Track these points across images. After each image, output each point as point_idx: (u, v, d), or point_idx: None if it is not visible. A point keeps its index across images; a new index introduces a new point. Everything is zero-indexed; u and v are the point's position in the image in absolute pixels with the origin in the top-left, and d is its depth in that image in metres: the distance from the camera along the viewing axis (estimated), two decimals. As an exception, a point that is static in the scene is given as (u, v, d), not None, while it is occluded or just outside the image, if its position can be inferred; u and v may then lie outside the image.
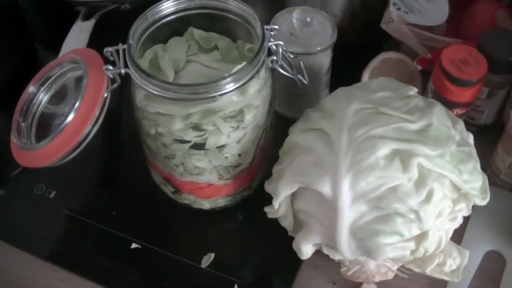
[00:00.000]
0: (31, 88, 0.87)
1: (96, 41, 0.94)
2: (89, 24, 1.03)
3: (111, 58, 0.78)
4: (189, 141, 0.77)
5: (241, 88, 0.74)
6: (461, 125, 0.80)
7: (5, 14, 1.07)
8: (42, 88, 0.88)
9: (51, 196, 0.95)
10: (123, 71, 0.76)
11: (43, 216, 0.94)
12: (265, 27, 0.78)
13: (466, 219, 0.82)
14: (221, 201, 0.89)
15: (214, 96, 0.72)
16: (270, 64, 0.79)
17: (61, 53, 0.97)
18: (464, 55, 0.87)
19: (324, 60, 0.93)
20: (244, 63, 0.74)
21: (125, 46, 0.77)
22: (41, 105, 0.88)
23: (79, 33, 1.01)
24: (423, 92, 0.96)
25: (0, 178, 0.98)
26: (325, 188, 0.72)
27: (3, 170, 0.98)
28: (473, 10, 1.04)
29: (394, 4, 0.99)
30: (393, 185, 0.71)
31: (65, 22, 1.06)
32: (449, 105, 0.87)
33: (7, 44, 1.09)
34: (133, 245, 0.89)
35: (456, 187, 0.75)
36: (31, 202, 0.95)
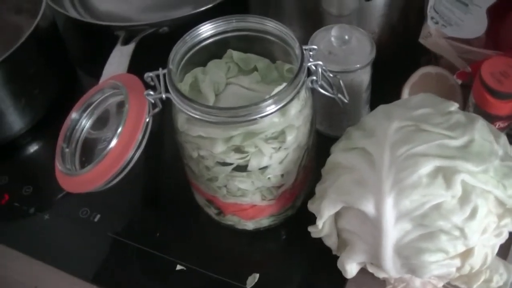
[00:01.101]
0: (74, 115, 0.89)
1: (137, 66, 0.95)
2: (129, 49, 1.05)
3: (152, 83, 0.79)
4: (231, 164, 0.78)
5: (282, 109, 0.74)
6: (503, 139, 0.79)
7: (46, 40, 1.09)
8: (85, 114, 0.89)
9: (96, 219, 0.96)
10: (164, 96, 0.77)
11: (88, 239, 0.95)
12: (304, 47, 0.78)
13: (512, 234, 0.81)
14: (264, 222, 0.90)
15: (255, 119, 0.72)
16: (310, 84, 0.79)
17: (102, 78, 0.98)
18: (504, 67, 0.86)
19: (364, 77, 0.93)
20: (284, 84, 0.74)
21: (165, 71, 0.78)
22: (84, 131, 0.89)
23: (119, 58, 1.02)
24: (464, 106, 0.95)
25: (45, 202, 0.99)
26: (369, 207, 0.72)
27: (47, 195, 1.00)
28: (511, 20, 1.03)
29: (432, 18, 0.98)
30: (436, 203, 0.71)
31: (105, 47, 1.08)
32: (490, 118, 0.86)
33: (49, 71, 1.11)
34: (178, 267, 0.90)
35: (501, 203, 0.74)
36: (76, 225, 0.96)
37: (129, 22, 1.14)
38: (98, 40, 1.18)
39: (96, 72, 1.02)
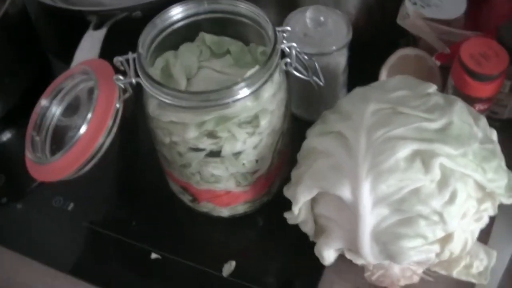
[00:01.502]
0: (43, 102, 0.86)
1: (110, 51, 0.93)
2: (101, 33, 1.02)
3: (122, 68, 0.77)
4: (204, 149, 0.76)
5: (255, 93, 0.72)
6: (483, 121, 0.78)
7: (15, 27, 1.06)
8: (55, 101, 0.87)
9: (70, 208, 0.95)
10: (134, 81, 0.75)
11: (62, 229, 0.94)
12: (277, 29, 0.76)
13: (492, 218, 0.79)
14: (240, 208, 0.88)
15: (228, 103, 0.71)
16: (284, 67, 0.77)
17: (73, 63, 0.96)
18: (483, 48, 0.85)
19: (340, 59, 0.91)
20: (257, 67, 0.72)
21: (135, 55, 0.75)
22: (54, 118, 0.87)
23: (90, 43, 1.00)
24: (443, 88, 0.94)
25: (17, 192, 0.98)
26: (345, 193, 0.71)
27: (20, 184, 0.98)
28: (491, 2, 1.01)
29: (409, -2, 0.97)
30: (415, 187, 0.69)
31: (78, 32, 1.05)
32: (470, 100, 0.85)
33: (19, 57, 1.09)
34: (153, 255, 0.88)
35: (480, 187, 0.73)
36: (50, 215, 0.95)
37: (101, 7, 1.11)
38: (70, 25, 1.15)
39: (69, 58, 1.00)
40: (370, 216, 0.70)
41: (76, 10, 1.12)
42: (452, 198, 0.69)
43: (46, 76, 1.15)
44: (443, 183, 0.69)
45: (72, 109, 0.87)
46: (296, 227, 0.81)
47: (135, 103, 0.81)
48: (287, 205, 0.78)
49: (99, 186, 0.97)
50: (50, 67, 1.20)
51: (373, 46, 1.00)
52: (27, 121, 0.88)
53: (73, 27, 1.09)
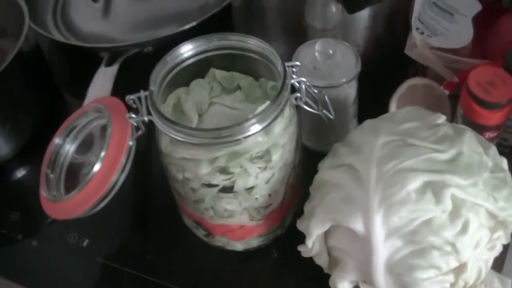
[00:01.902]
0: (57, 140, 0.87)
1: (122, 87, 0.94)
2: (113, 70, 1.04)
3: (134, 106, 0.78)
4: (217, 185, 0.76)
5: (266, 128, 0.73)
6: (493, 150, 0.78)
7: (30, 64, 1.08)
8: (68, 139, 0.88)
9: (85, 244, 0.95)
10: (146, 119, 0.76)
11: (77, 265, 0.94)
12: (287, 64, 0.77)
13: (506, 246, 0.79)
14: (254, 242, 0.88)
15: (239, 139, 0.71)
16: (294, 101, 0.78)
17: (86, 100, 0.98)
18: (490, 76, 0.85)
19: (350, 91, 0.92)
20: (268, 103, 0.73)
21: (147, 92, 0.76)
22: (68, 156, 0.88)
23: (102, 80, 1.01)
24: (452, 116, 0.94)
25: (32, 228, 0.98)
26: (357, 225, 0.71)
27: (35, 221, 0.99)
28: (497, 28, 1.02)
29: (417, 28, 0.97)
30: (426, 218, 0.69)
31: (90, 68, 1.07)
32: (479, 128, 0.85)
33: (33, 94, 1.10)
34: (169, 290, 0.88)
35: (492, 215, 0.73)
36: (65, 251, 0.95)
37: (113, 43, 1.13)
38: (83, 61, 1.17)
39: (81, 93, 1.01)
40: (383, 248, 0.71)
41: (88, 47, 1.14)
42: (464, 228, 0.70)
43: (59, 111, 1.16)
44: (454, 214, 0.70)
45: (86, 146, 0.88)
46: (310, 259, 0.81)
47: (148, 138, 0.82)
48: (301, 237, 0.79)
49: (114, 220, 0.98)
50: (63, 102, 1.22)
51: (382, 76, 1.01)
52: (41, 157, 0.89)
53: (85, 63, 1.11)
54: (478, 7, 1.01)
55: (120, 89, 0.94)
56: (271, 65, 0.79)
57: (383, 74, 1.02)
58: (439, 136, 0.75)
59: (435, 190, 0.70)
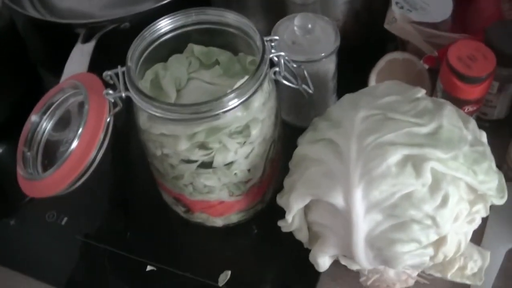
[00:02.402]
0: (33, 117, 0.86)
1: (99, 63, 0.93)
2: (89, 47, 1.02)
3: (111, 82, 0.77)
4: (196, 161, 0.76)
5: (245, 103, 0.72)
6: (473, 124, 0.78)
7: (4, 40, 1.06)
8: (45, 116, 0.87)
9: (63, 222, 0.95)
10: (123, 95, 0.75)
11: (56, 243, 0.94)
12: (265, 38, 0.76)
13: (484, 219, 0.80)
14: (234, 218, 0.88)
15: (218, 114, 0.71)
16: (273, 76, 0.77)
17: (63, 77, 0.96)
18: (471, 51, 0.85)
19: (329, 66, 0.91)
20: (246, 77, 0.72)
21: (124, 68, 0.75)
22: (45, 133, 0.87)
23: (79, 57, 1.00)
24: (432, 91, 0.94)
25: (10, 207, 0.97)
26: (338, 200, 0.71)
27: (12, 200, 0.98)
28: (478, 3, 1.02)
29: (396, 3, 0.97)
30: (407, 192, 0.69)
31: (67, 45, 1.05)
32: (459, 103, 0.85)
33: (9, 70, 1.08)
34: (149, 268, 0.88)
35: (472, 189, 0.73)
36: (43, 229, 0.95)
37: (89, 19, 1.11)
38: (59, 38, 1.15)
39: (58, 71, 1.00)
40: (364, 222, 0.70)
41: (64, 23, 1.12)
42: (444, 202, 0.70)
43: (36, 89, 1.15)
44: (434, 187, 0.70)
45: (63, 123, 0.87)
46: (290, 234, 0.81)
47: (126, 115, 0.81)
48: (281, 212, 0.78)
49: (92, 199, 0.97)
50: (40, 80, 1.20)
51: (361, 51, 1.01)
52: (18, 135, 0.88)
53: (62, 39, 1.08)
54: (458, -19, 1.01)
55: (97, 65, 0.93)
56: (250, 40, 0.78)
57: (363, 49, 1.01)
58: (419, 110, 0.74)
59: (415, 163, 0.69)
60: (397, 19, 0.94)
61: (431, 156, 0.70)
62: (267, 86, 0.77)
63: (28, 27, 1.24)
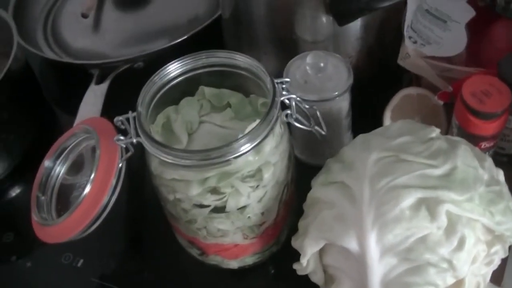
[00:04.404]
0: (47, 163, 0.87)
1: (113, 103, 0.93)
2: (103, 88, 1.04)
3: (123, 127, 0.77)
4: (208, 206, 0.75)
5: (256, 147, 0.72)
6: (489, 162, 0.77)
7: (20, 81, 1.07)
8: (58, 161, 0.87)
9: (79, 264, 0.94)
10: (134, 141, 0.75)
11: (72, 286, 0.93)
12: (276, 80, 0.76)
13: (504, 258, 0.78)
14: (249, 260, 0.87)
15: (229, 160, 0.70)
16: (285, 119, 0.77)
17: (77, 120, 0.97)
18: (485, 85, 0.84)
19: (343, 104, 0.91)
20: (257, 121, 0.72)
21: (135, 114, 0.75)
22: (59, 178, 0.87)
23: (93, 98, 1.01)
24: (448, 126, 0.93)
25: (26, 249, 0.97)
26: (351, 244, 0.70)
27: (28, 241, 0.97)
28: (491, 35, 1.01)
29: (409, 37, 0.96)
30: (421, 235, 0.68)
31: (82, 84, 1.07)
32: (475, 139, 0.84)
33: (24, 114, 1.10)
34: (165, 310, 0.87)
35: (489, 230, 0.72)
36: (59, 272, 0.94)
37: (103, 59, 1.12)
38: (74, 78, 1.16)
39: (74, 110, 1.01)
40: (379, 266, 0.69)
41: (78, 64, 1.13)
42: (460, 244, 0.69)
43: (52, 128, 1.16)
44: (450, 230, 0.69)
45: (77, 167, 0.87)
46: (306, 276, 0.80)
47: (141, 157, 0.81)
48: (297, 254, 0.77)
49: (108, 240, 0.97)
50: (55, 119, 1.21)
51: (376, 87, 1.00)
52: (34, 176, 0.88)
53: (76, 79, 1.10)
54: (471, 13, 1.00)
55: (112, 105, 0.93)
56: (261, 82, 0.78)
57: (377, 84, 1.00)
58: (433, 150, 0.74)
59: (430, 206, 0.69)
60: (410, 54, 0.94)
61: (445, 199, 0.69)
62: (278, 129, 0.76)
63: (43, 67, 1.25)
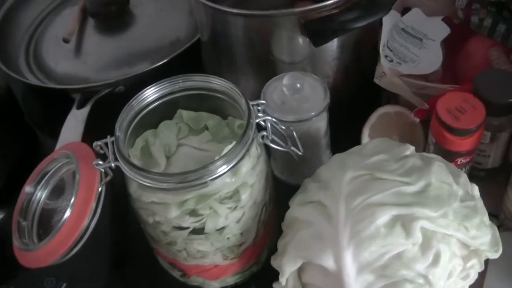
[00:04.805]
0: (27, 188, 0.87)
1: (96, 127, 0.93)
2: (84, 112, 1.04)
3: (101, 152, 0.78)
4: (187, 228, 0.76)
5: (233, 169, 0.73)
6: (464, 178, 0.78)
7: (1, 107, 1.08)
8: (39, 186, 0.88)
9: (62, 289, 0.94)
10: (113, 165, 0.75)
11: (55, 311, 0.93)
12: (252, 102, 0.77)
13: (483, 272, 0.79)
14: (230, 280, 0.88)
15: (206, 182, 0.71)
16: (261, 140, 0.78)
17: (58, 145, 0.98)
18: (459, 102, 0.85)
19: (320, 124, 0.92)
20: (233, 144, 0.73)
21: (113, 138, 0.76)
22: (40, 203, 0.88)
23: (74, 123, 1.02)
24: (425, 142, 0.94)
25: (8, 274, 0.97)
26: (328, 262, 0.71)
27: (11, 266, 0.97)
28: (466, 51, 1.02)
29: (386, 56, 0.98)
30: (397, 252, 0.69)
31: (63, 108, 1.07)
32: (451, 155, 0.86)
33: (7, 137, 1.10)
34: (148, 332, 0.88)
35: (464, 245, 0.73)
36: (43, 297, 0.94)
37: (84, 84, 1.13)
38: (55, 102, 1.17)
39: (56, 134, 1.02)
40: (355, 284, 0.70)
41: (60, 89, 1.14)
42: (435, 260, 0.69)
43: (34, 152, 1.16)
44: (425, 246, 0.70)
45: (58, 191, 0.88)
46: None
47: (123, 178, 0.81)
48: (277, 273, 0.78)
49: (91, 263, 0.96)
50: (37, 143, 1.21)
51: (354, 105, 1.01)
52: (16, 201, 0.89)
53: (58, 104, 1.11)
54: (446, 31, 1.01)
55: (93, 129, 0.94)
56: (236, 104, 0.79)
57: (355, 103, 1.02)
58: (407, 168, 0.75)
59: (405, 223, 0.69)
60: (386, 73, 0.95)
61: (420, 215, 0.70)
62: (255, 151, 0.78)
63: (25, 92, 1.26)
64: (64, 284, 0.93)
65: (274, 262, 0.79)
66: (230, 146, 0.73)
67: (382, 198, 0.71)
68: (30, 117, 1.22)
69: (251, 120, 0.75)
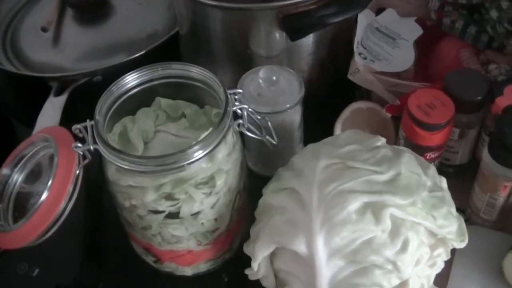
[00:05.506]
0: (4, 170, 0.88)
1: (71, 115, 0.94)
2: (61, 100, 1.05)
3: (80, 135, 0.79)
4: (163, 211, 0.77)
5: (209, 155, 0.74)
6: (432, 170, 0.80)
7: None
8: (16, 169, 0.88)
9: (35, 274, 0.94)
10: (92, 148, 0.76)
11: (27, 295, 0.93)
12: (229, 91, 0.79)
13: (450, 261, 0.82)
14: (203, 267, 0.89)
15: (183, 166, 0.73)
16: (237, 128, 0.79)
17: (35, 131, 0.98)
18: (430, 99, 0.88)
19: (294, 116, 0.94)
20: (210, 130, 0.74)
21: (93, 122, 0.77)
22: (16, 186, 0.88)
23: (51, 110, 1.02)
24: (396, 138, 0.97)
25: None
26: (301, 247, 0.72)
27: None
28: (438, 52, 1.05)
29: (360, 53, 1.00)
30: (367, 238, 0.71)
31: (40, 97, 1.07)
32: (421, 149, 0.88)
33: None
34: (120, 318, 0.89)
35: (432, 233, 0.75)
36: (15, 282, 0.94)
37: (62, 73, 1.14)
38: (32, 90, 1.17)
39: (32, 123, 1.02)
40: (326, 268, 0.72)
41: (37, 77, 1.15)
42: (404, 247, 0.72)
43: (10, 141, 1.16)
44: (394, 233, 0.72)
45: (34, 175, 0.88)
46: (259, 282, 0.82)
47: (100, 166, 0.82)
48: (250, 260, 0.79)
49: (65, 249, 0.96)
50: (13, 131, 1.21)
51: (328, 101, 1.03)
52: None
53: (35, 92, 1.11)
54: (419, 32, 1.04)
55: (70, 117, 0.94)
56: (214, 93, 0.81)
57: (329, 98, 1.04)
58: (378, 158, 0.77)
59: (375, 210, 0.72)
60: (360, 69, 0.97)
61: (390, 203, 0.72)
62: (231, 138, 0.79)
63: (0, 80, 1.26)
64: (37, 270, 0.93)
65: (247, 249, 0.80)
66: (207, 132, 0.74)
67: (354, 186, 0.73)
68: (6, 105, 1.22)
69: (228, 108, 0.76)
